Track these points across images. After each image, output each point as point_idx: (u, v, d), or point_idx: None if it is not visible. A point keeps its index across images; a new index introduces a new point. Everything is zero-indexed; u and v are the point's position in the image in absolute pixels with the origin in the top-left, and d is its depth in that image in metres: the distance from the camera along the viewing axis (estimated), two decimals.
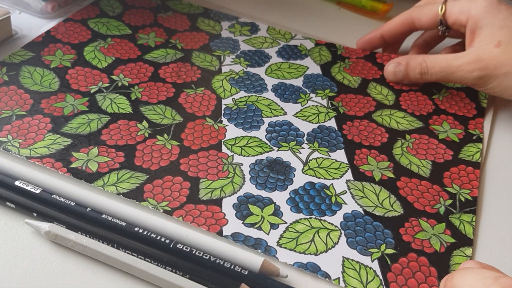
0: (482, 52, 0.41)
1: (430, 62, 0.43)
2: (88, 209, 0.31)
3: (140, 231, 0.30)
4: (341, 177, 0.36)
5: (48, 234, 0.29)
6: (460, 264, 0.31)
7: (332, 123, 0.41)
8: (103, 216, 0.31)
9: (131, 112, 0.39)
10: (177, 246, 0.29)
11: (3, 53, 0.43)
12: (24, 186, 0.32)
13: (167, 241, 0.29)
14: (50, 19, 0.48)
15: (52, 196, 0.31)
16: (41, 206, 0.31)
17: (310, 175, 0.36)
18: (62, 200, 0.31)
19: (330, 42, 0.50)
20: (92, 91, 0.41)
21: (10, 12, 0.44)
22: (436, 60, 0.43)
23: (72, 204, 0.31)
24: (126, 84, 0.42)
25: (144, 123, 0.38)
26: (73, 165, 0.34)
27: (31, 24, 0.47)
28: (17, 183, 0.32)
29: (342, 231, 0.32)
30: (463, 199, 0.35)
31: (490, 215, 0.35)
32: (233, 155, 0.37)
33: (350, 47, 0.50)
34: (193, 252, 0.29)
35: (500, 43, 0.40)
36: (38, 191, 0.32)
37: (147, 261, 0.29)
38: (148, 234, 0.30)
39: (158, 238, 0.29)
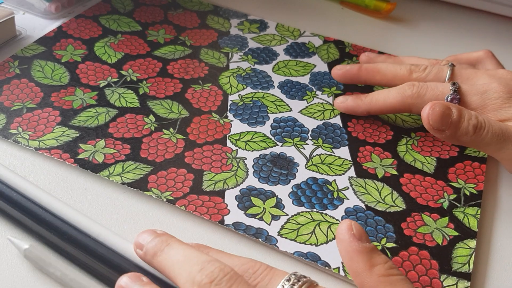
0: None
1: (487, 119, 0.34)
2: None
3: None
4: (343, 174, 0.36)
5: (27, 256, 0.28)
6: (463, 256, 0.31)
7: (337, 120, 0.41)
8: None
9: (139, 106, 0.40)
10: None
11: (7, 53, 0.43)
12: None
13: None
14: (53, 20, 0.48)
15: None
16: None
17: (313, 171, 0.36)
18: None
19: (338, 40, 0.50)
20: (101, 86, 0.41)
21: (14, 12, 0.45)
22: (493, 120, 0.34)
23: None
24: (134, 79, 0.43)
25: (151, 117, 0.39)
26: (80, 156, 0.35)
27: (35, 24, 0.48)
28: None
29: None
30: (468, 193, 0.35)
31: (496, 208, 0.35)
32: (237, 149, 0.37)
33: (358, 45, 0.50)
34: None
35: None
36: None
37: None
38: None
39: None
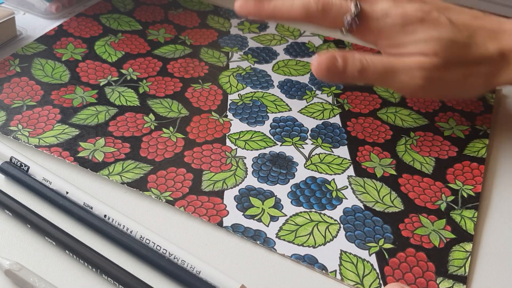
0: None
1: (372, 59, 0.36)
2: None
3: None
4: (342, 173, 0.36)
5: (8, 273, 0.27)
6: (460, 259, 0.31)
7: (336, 120, 0.41)
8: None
9: (139, 105, 0.40)
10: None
11: (7, 53, 0.44)
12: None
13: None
14: (54, 20, 0.49)
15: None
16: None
17: (312, 170, 0.36)
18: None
19: (338, 39, 0.50)
20: (101, 84, 0.42)
21: (14, 12, 0.45)
22: (377, 57, 0.36)
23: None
24: (134, 78, 0.43)
25: (151, 115, 0.39)
26: (80, 155, 0.35)
27: (35, 24, 0.48)
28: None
29: (341, 225, 0.33)
30: (465, 195, 0.35)
31: (493, 211, 0.35)
32: (236, 148, 0.37)
33: (358, 44, 0.50)
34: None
35: None
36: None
37: None
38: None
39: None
